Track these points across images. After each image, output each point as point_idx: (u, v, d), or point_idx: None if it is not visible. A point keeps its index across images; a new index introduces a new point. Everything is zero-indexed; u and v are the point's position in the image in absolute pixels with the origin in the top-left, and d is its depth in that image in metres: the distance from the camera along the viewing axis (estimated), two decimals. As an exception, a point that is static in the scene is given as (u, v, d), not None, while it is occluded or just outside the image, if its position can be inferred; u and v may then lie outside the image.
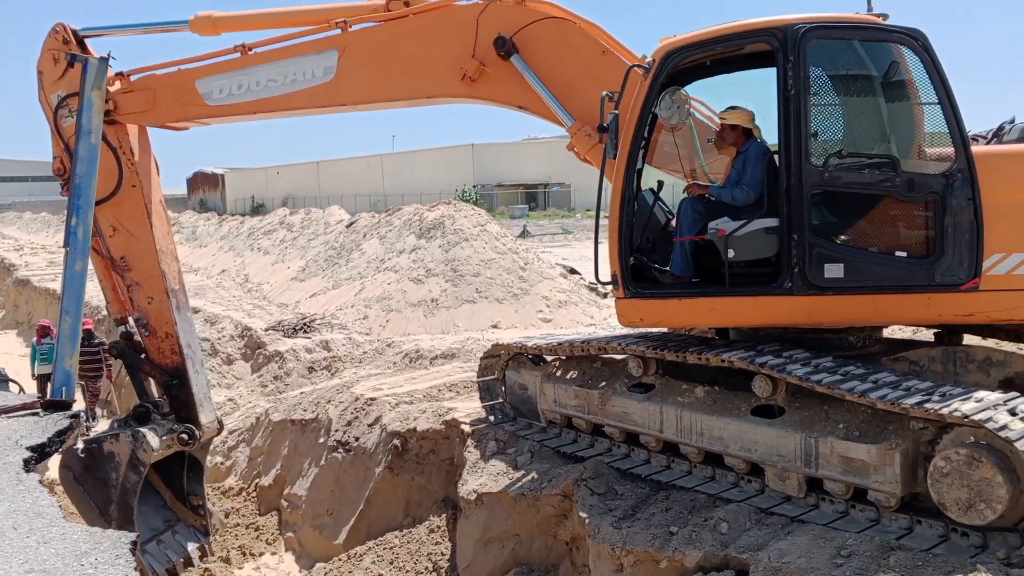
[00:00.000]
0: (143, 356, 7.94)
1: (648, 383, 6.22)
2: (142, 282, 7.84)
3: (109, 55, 8.28)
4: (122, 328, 8.03)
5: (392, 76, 6.84)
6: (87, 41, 7.85)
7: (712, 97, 6.44)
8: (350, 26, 6.84)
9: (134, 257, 7.88)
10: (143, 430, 7.39)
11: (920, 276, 5.26)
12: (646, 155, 6.44)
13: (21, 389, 9.09)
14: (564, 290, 16.74)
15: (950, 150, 5.25)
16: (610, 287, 6.01)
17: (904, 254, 5.31)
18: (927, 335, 6.46)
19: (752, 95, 6.28)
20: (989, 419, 4.29)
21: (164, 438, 7.51)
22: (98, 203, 7.76)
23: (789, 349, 5.55)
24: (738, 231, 5.61)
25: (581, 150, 6.29)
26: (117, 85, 7.76)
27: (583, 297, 16.70)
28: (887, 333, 6.33)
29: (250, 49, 7.22)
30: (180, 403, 7.89)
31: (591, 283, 5.11)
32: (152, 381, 8.01)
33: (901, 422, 4.78)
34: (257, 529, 9.59)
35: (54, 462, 7.34)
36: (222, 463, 11.58)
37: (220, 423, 8.39)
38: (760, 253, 5.62)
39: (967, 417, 4.33)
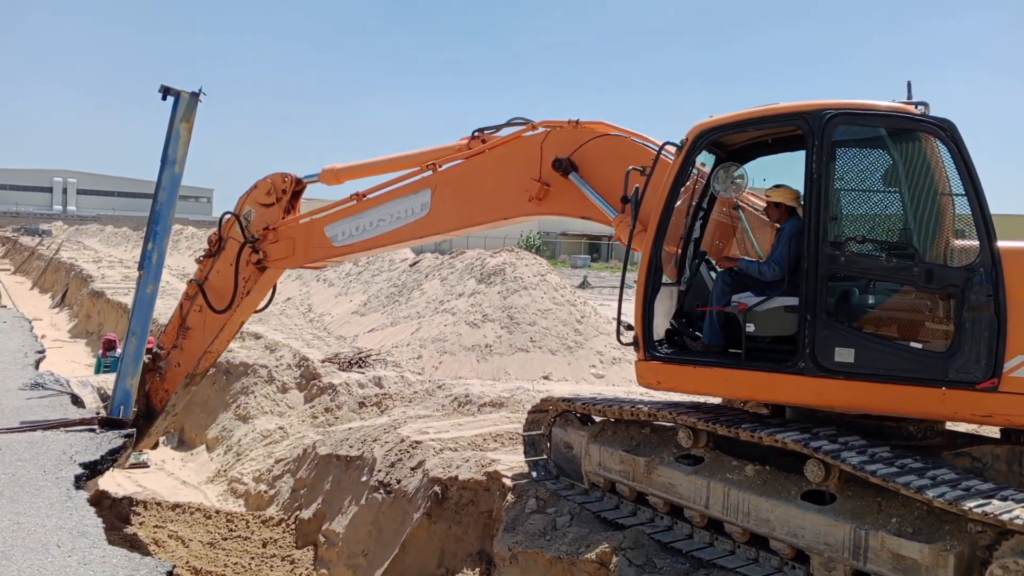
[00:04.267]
0: (151, 377, 9.56)
1: (697, 455, 6.10)
2: (184, 350, 9.42)
3: (200, 90, 8.79)
4: (157, 348, 9.63)
5: (474, 205, 7.67)
6: (305, 188, 9.17)
7: (780, 176, 6.44)
8: (439, 166, 7.81)
9: (193, 335, 9.39)
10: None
11: (934, 370, 5.12)
12: (703, 229, 6.52)
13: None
14: (619, 347, 16.57)
15: (974, 243, 5.13)
16: (631, 347, 6.20)
17: (919, 346, 5.20)
18: (992, 431, 6.19)
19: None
20: (1054, 531, 4.09)
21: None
22: (209, 303, 9.14)
23: (845, 435, 5.39)
24: (758, 306, 5.68)
25: (623, 238, 6.55)
26: (269, 238, 8.93)
27: (638, 355, 16.52)
28: (950, 426, 6.09)
29: (363, 196, 8.28)
30: (137, 426, 9.34)
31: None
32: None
33: (958, 523, 4.57)
34: (292, 562, 9.61)
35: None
36: (265, 492, 11.69)
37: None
38: (778, 330, 5.64)
39: (1030, 527, 4.13)
